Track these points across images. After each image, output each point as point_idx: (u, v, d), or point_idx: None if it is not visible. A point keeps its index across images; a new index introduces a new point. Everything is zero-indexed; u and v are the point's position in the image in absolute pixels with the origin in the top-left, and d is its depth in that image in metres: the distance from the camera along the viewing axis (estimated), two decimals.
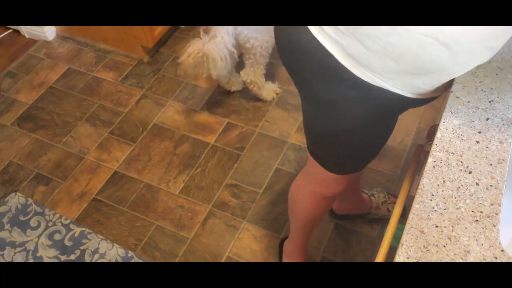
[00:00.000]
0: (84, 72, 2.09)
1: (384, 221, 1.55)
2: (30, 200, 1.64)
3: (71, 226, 1.57)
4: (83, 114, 1.92)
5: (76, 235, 1.55)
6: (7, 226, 1.58)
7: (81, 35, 2.21)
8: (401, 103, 0.79)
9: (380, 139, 0.92)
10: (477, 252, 0.59)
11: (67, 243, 1.53)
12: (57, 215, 1.60)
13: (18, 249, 1.52)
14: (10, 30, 2.30)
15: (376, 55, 0.69)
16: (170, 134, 1.84)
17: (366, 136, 0.88)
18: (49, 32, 2.23)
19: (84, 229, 1.57)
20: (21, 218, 1.60)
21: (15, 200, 1.64)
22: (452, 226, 0.62)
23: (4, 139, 1.85)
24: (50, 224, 1.58)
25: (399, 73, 0.70)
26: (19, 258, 1.50)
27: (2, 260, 1.50)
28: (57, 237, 1.55)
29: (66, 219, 1.59)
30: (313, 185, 1.09)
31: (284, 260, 1.44)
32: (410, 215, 0.63)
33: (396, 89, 0.74)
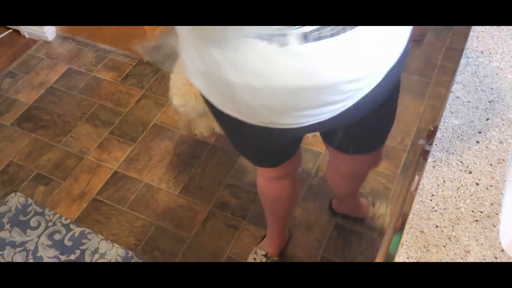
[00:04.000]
0: (84, 72, 2.09)
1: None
2: (30, 200, 1.64)
3: (71, 226, 1.57)
4: (83, 114, 1.92)
5: (76, 235, 1.55)
6: (7, 226, 1.58)
7: (81, 35, 2.21)
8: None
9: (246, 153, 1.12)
10: (477, 252, 0.59)
11: (67, 243, 1.53)
12: (57, 215, 1.60)
13: (18, 249, 1.52)
14: (10, 30, 2.30)
15: None
16: (170, 134, 1.84)
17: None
18: (49, 32, 2.23)
19: (84, 229, 1.56)
20: (21, 218, 1.60)
21: (15, 200, 1.64)
22: (452, 226, 0.62)
23: (4, 139, 1.85)
24: (50, 224, 1.58)
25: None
26: (19, 258, 1.50)
27: (2, 260, 1.50)
28: (57, 237, 1.55)
29: (66, 219, 1.59)
30: None
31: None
32: (410, 215, 0.63)
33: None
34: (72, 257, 1.50)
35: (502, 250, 0.59)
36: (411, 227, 0.62)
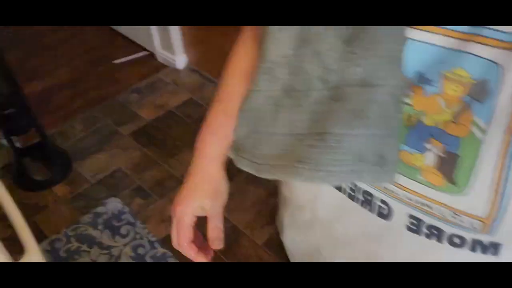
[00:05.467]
0: (202, 104, 2.22)
1: None
2: (126, 208, 1.72)
3: (156, 244, 1.62)
4: (193, 142, 2.01)
5: (157, 254, 1.59)
6: (100, 227, 1.66)
7: (207, 70, 2.36)
8: None
9: None
10: None
11: (148, 259, 1.57)
12: (146, 230, 1.66)
13: (104, 251, 1.59)
14: (147, 52, 2.53)
15: None
16: (267, 182, 1.86)
17: None
18: (180, 61, 2.42)
19: (166, 251, 1.60)
20: (114, 223, 1.68)
21: (114, 204, 1.73)
22: None
23: (119, 146, 1.98)
24: (137, 236, 1.64)
25: None
26: (102, 259, 1.56)
27: (88, 257, 1.57)
28: (140, 251, 1.60)
29: (153, 236, 1.64)
30: None
31: None
32: None
33: None
34: None
35: None
36: None
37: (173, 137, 2.04)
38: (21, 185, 1.80)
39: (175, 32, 2.30)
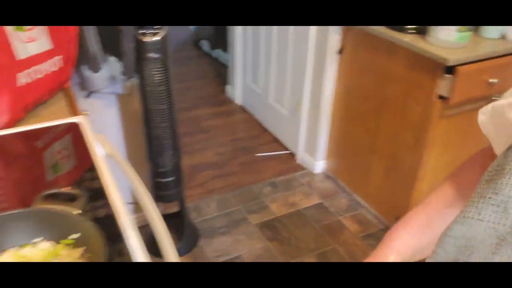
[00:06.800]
0: (332, 212, 2.19)
1: None
2: None
3: None
4: (316, 248, 1.97)
5: None
6: None
7: (344, 180, 2.36)
8: None
9: None
10: None
11: None
12: None
13: None
14: (289, 152, 2.64)
15: None
16: None
17: None
18: (318, 166, 2.46)
19: None
20: None
21: None
22: None
23: (245, 234, 2.02)
24: None
25: None
26: None
27: None
28: None
29: None
30: None
31: None
32: None
33: None
34: None
35: None
36: None
37: (297, 238, 2.02)
38: (149, 250, 1.90)
39: (323, 138, 2.38)
